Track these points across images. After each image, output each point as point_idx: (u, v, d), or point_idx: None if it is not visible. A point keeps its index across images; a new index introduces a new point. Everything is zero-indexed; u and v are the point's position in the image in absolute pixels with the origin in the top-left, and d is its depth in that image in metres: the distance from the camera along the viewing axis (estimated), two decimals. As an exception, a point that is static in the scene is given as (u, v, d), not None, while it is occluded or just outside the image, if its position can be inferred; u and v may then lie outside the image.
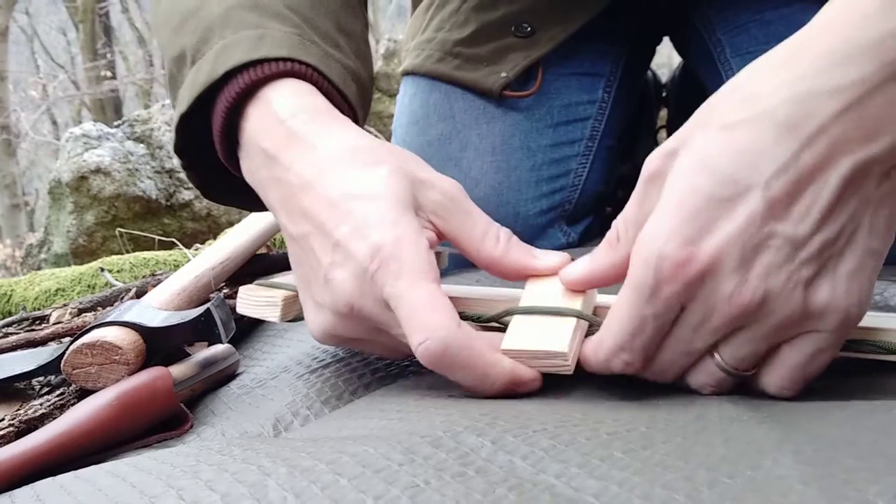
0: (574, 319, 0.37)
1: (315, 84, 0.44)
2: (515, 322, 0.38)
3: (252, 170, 0.43)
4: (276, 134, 0.41)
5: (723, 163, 0.32)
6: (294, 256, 0.42)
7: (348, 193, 0.38)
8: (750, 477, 0.21)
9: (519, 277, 0.41)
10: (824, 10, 0.33)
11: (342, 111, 0.45)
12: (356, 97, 0.48)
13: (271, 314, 0.48)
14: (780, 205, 0.31)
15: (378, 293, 0.36)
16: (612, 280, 0.37)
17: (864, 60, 0.30)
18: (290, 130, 0.41)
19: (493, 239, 0.40)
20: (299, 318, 0.47)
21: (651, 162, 0.35)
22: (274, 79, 0.43)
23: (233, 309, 0.66)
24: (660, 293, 0.32)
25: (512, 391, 0.37)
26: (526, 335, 0.37)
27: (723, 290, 0.32)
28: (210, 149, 0.46)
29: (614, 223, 0.37)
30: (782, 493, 0.20)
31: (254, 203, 0.47)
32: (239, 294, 0.51)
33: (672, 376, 0.36)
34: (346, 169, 0.39)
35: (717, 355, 0.34)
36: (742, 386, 0.36)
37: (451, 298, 0.38)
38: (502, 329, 0.39)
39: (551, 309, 0.37)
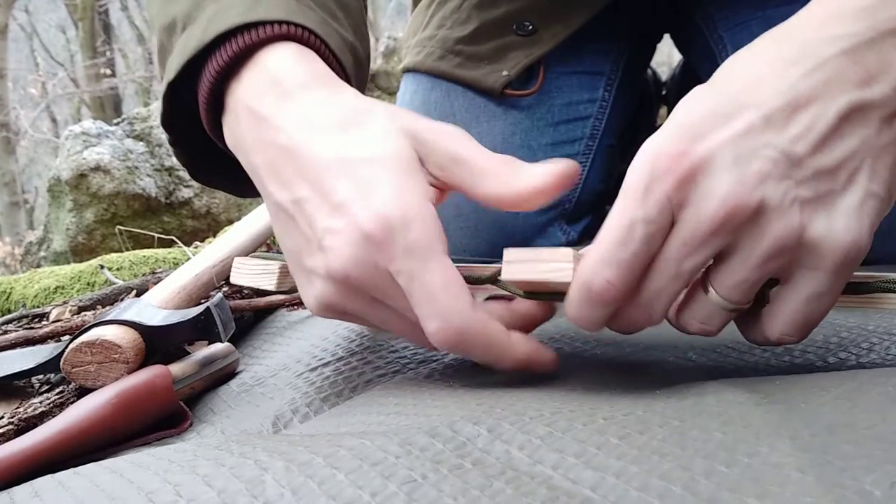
0: (570, 251, 0.35)
1: (313, 48, 0.42)
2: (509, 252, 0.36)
3: (238, 134, 0.41)
4: (269, 95, 0.39)
5: (723, 86, 0.33)
6: (280, 225, 0.40)
7: (347, 155, 0.36)
8: (747, 465, 0.21)
9: (530, 204, 0.38)
10: None
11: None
12: (352, 70, 0.46)
13: (266, 282, 0.46)
14: (777, 120, 0.31)
15: (383, 265, 0.35)
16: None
17: (856, 19, 0.32)
18: (284, 91, 0.39)
19: (495, 170, 0.37)
20: (294, 289, 0.47)
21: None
22: (270, 42, 0.41)
23: (233, 308, 0.66)
24: (651, 192, 0.31)
25: (527, 370, 0.37)
26: (523, 255, 0.35)
27: (717, 187, 0.30)
28: (198, 123, 0.45)
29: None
30: (779, 482, 0.20)
31: (242, 185, 0.46)
32: (234, 264, 0.50)
33: (659, 311, 0.33)
34: (343, 129, 0.37)
35: (708, 284, 0.33)
36: (746, 330, 0.35)
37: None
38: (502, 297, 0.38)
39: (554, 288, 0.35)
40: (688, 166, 0.31)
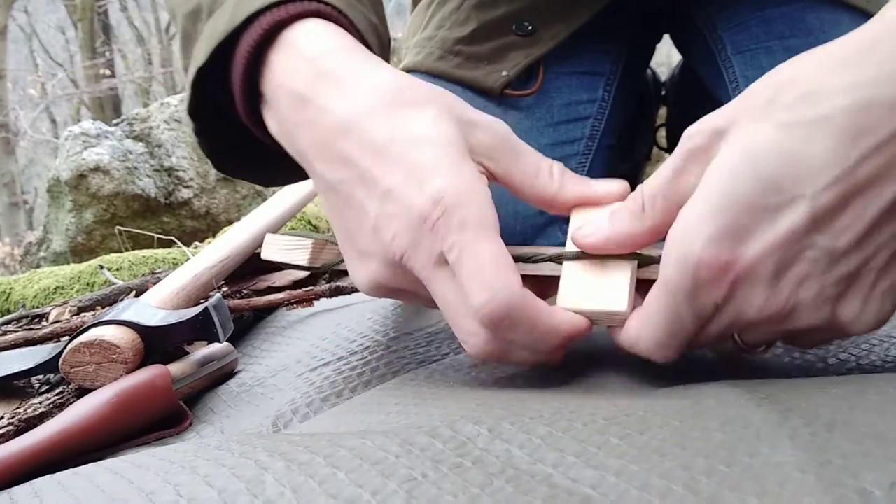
0: (629, 266, 0.36)
1: (342, 27, 0.41)
2: (567, 272, 0.37)
3: (280, 119, 0.40)
4: (306, 74, 0.38)
5: (772, 167, 0.30)
6: (331, 205, 0.39)
7: (396, 137, 0.35)
8: (747, 464, 0.22)
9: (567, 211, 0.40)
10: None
11: None
12: (378, 52, 0.45)
13: (299, 258, 0.46)
14: (824, 218, 0.30)
15: (436, 246, 0.34)
16: (629, 248, 0.36)
17: None
18: (322, 69, 0.38)
19: (546, 174, 0.38)
20: (327, 266, 0.46)
21: (694, 136, 0.33)
22: (299, 19, 0.40)
23: (232, 308, 0.66)
24: (697, 297, 0.32)
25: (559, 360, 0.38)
26: (581, 290, 0.36)
27: (754, 298, 0.32)
28: (225, 112, 0.44)
29: (640, 189, 0.35)
30: (780, 481, 0.20)
31: (267, 174, 0.45)
32: (266, 239, 0.50)
33: (695, 349, 0.36)
34: (389, 109, 0.36)
35: (736, 336, 0.35)
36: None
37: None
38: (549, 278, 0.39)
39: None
40: (732, 278, 0.31)
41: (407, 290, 0.38)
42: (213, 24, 0.42)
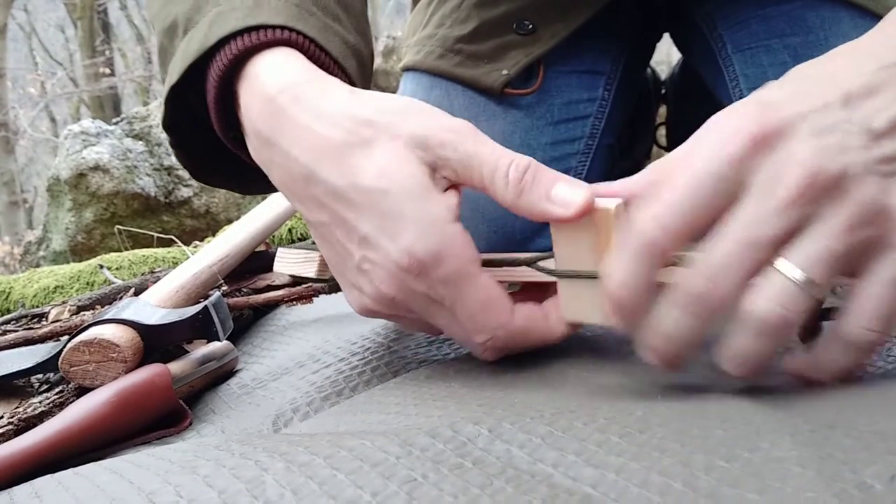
0: None
1: (312, 57, 0.42)
2: (563, 286, 0.37)
3: (254, 149, 0.41)
4: (266, 112, 0.39)
5: (800, 81, 0.33)
6: (319, 238, 0.40)
7: (351, 185, 0.36)
8: (747, 460, 0.21)
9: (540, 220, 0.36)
10: None
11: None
12: (356, 73, 0.46)
13: (308, 270, 0.50)
14: (855, 99, 0.31)
15: (421, 290, 0.36)
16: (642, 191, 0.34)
17: None
18: (279, 108, 0.38)
19: (501, 181, 0.35)
20: (333, 279, 0.48)
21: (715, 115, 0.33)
22: (267, 47, 0.41)
23: (232, 306, 0.66)
24: (725, 149, 0.30)
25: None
26: (580, 302, 0.36)
27: (795, 153, 0.29)
28: (201, 125, 0.45)
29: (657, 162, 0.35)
30: (780, 476, 0.20)
31: (244, 183, 0.46)
32: (277, 253, 0.53)
33: (725, 284, 0.30)
34: (339, 158, 0.36)
35: (786, 258, 0.30)
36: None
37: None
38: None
39: (590, 273, 0.35)
40: (765, 129, 0.30)
41: (403, 317, 0.40)
42: (187, 42, 0.43)
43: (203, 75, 0.43)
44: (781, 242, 0.30)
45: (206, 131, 0.45)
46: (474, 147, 0.36)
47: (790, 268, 0.29)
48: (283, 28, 0.41)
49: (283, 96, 0.38)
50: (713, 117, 0.32)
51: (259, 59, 0.40)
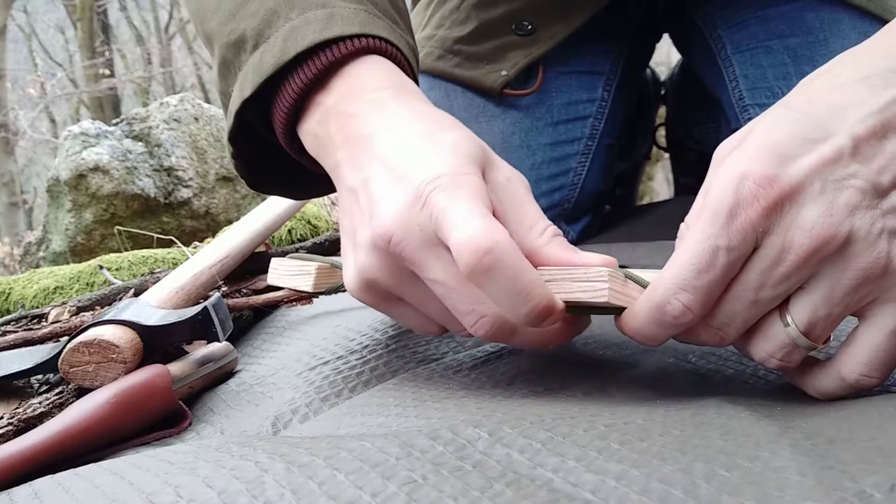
0: (605, 270, 0.34)
1: (390, 57, 0.43)
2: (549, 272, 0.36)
3: (324, 134, 0.42)
4: (361, 101, 0.40)
5: (810, 110, 0.32)
6: (345, 210, 0.40)
7: (424, 144, 0.37)
8: (748, 469, 0.21)
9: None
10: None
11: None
12: (416, 69, 0.47)
13: (304, 283, 0.48)
14: (865, 146, 0.30)
15: (426, 220, 0.34)
16: None
17: None
18: (377, 99, 0.40)
19: (538, 231, 0.38)
20: (332, 290, 0.47)
21: (723, 147, 0.34)
22: (355, 56, 0.42)
23: (231, 307, 0.66)
24: (737, 218, 0.30)
25: (547, 328, 0.35)
26: (563, 287, 0.34)
27: (804, 218, 0.30)
28: (257, 135, 0.46)
29: (685, 221, 0.35)
30: (780, 485, 0.20)
31: (297, 189, 0.46)
32: (271, 265, 0.51)
33: (731, 335, 0.33)
34: (426, 129, 0.38)
35: (787, 316, 0.32)
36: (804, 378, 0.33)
37: None
38: None
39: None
40: (777, 194, 0.30)
41: (392, 289, 0.38)
42: (258, 57, 0.43)
43: (272, 87, 0.43)
44: (786, 296, 0.32)
45: (262, 141, 0.46)
46: (527, 197, 0.38)
47: (791, 328, 0.31)
48: (359, 37, 0.42)
49: (383, 93, 0.40)
50: (724, 170, 0.31)
51: (351, 65, 0.42)
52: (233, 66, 0.46)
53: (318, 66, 0.41)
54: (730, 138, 0.34)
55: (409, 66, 0.45)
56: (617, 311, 0.34)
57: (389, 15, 0.46)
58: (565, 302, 0.34)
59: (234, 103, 0.44)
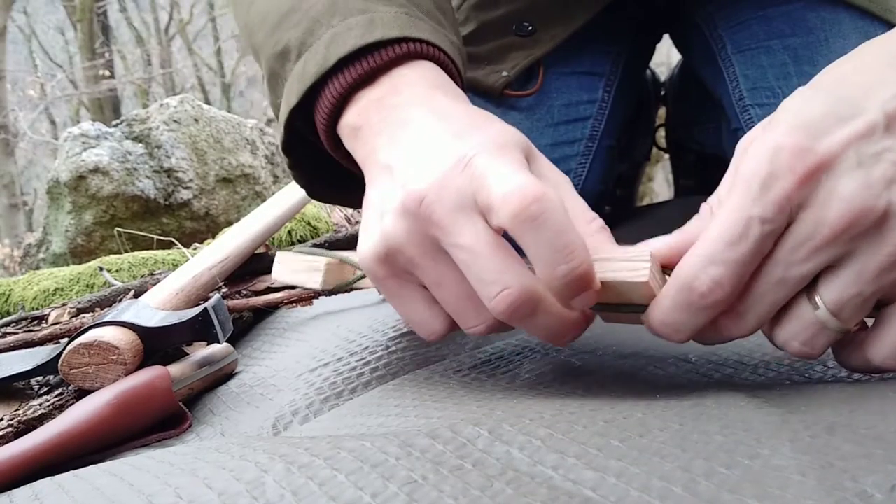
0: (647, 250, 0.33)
1: (433, 58, 0.43)
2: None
3: (363, 123, 0.41)
4: (405, 95, 0.40)
5: (837, 88, 0.31)
6: (376, 184, 0.39)
7: (467, 128, 0.37)
8: (747, 467, 0.21)
9: None
10: None
11: (456, 83, 0.44)
12: (463, 69, 0.47)
13: (312, 280, 0.46)
14: None
15: (465, 181, 0.33)
16: None
17: None
18: (420, 94, 0.40)
19: (586, 220, 0.37)
20: (340, 288, 0.46)
21: (748, 136, 0.33)
22: (398, 62, 0.42)
23: (231, 309, 0.66)
24: (771, 188, 0.29)
25: (566, 314, 0.34)
26: (602, 265, 0.33)
27: (843, 189, 0.29)
28: (308, 142, 0.46)
29: (708, 200, 0.34)
30: (780, 484, 0.20)
31: (356, 195, 0.45)
32: (276, 258, 0.50)
33: (755, 321, 0.31)
34: (469, 119, 0.38)
35: (815, 297, 0.30)
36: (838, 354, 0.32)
37: None
38: None
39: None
40: (812, 164, 0.29)
41: (413, 262, 0.36)
42: (303, 65, 0.43)
43: (314, 92, 0.43)
44: (815, 275, 0.30)
45: (313, 148, 0.46)
46: (570, 189, 0.39)
47: (821, 309, 0.30)
48: (400, 41, 0.41)
49: (435, 91, 0.40)
50: (758, 144, 0.30)
51: (401, 67, 0.41)
52: (280, 77, 0.46)
53: (360, 71, 0.41)
54: (755, 128, 0.33)
55: (454, 66, 0.44)
56: (644, 308, 0.33)
57: (433, 16, 0.46)
58: (602, 282, 0.33)
59: (283, 113, 0.44)
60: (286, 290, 0.72)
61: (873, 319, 0.32)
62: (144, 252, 0.95)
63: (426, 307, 0.37)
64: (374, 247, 0.37)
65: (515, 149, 0.35)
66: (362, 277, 0.48)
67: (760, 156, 0.30)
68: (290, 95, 0.43)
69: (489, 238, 0.33)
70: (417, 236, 0.35)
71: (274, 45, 0.46)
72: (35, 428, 0.45)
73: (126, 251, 1.32)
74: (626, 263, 0.32)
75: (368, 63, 0.41)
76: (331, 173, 0.48)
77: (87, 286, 0.88)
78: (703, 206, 0.34)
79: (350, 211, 1.14)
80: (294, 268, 0.48)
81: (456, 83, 0.44)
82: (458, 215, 0.33)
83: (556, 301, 0.33)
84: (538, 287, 0.33)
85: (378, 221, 0.37)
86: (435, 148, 0.36)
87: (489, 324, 0.35)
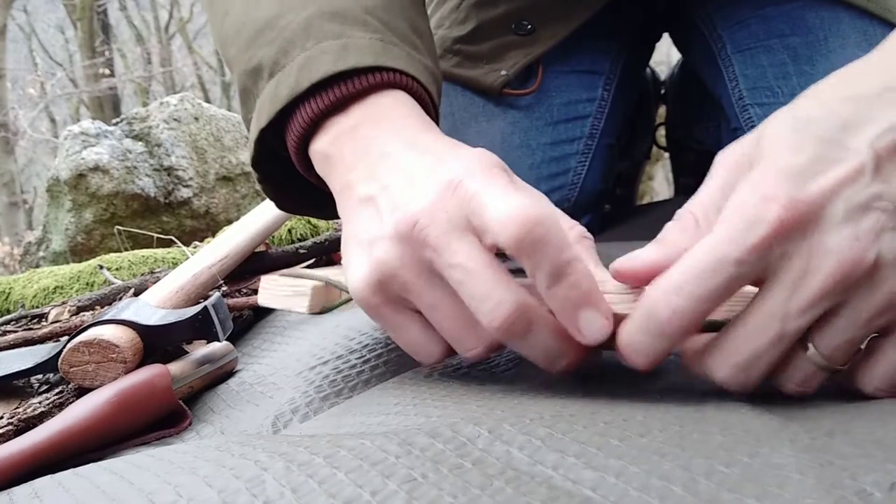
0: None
1: (406, 88, 0.43)
2: None
3: (336, 154, 0.41)
4: (379, 127, 0.40)
5: (824, 123, 0.30)
6: (356, 219, 0.38)
7: (446, 156, 0.37)
8: (747, 465, 0.22)
9: None
10: None
11: (428, 112, 0.44)
12: (436, 95, 0.47)
13: (299, 305, 0.45)
14: (886, 164, 0.29)
15: (456, 204, 0.33)
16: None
17: None
18: (394, 127, 0.40)
19: (566, 227, 0.37)
20: (327, 309, 0.46)
21: (731, 150, 0.33)
22: (370, 91, 0.42)
23: (232, 307, 0.66)
24: (754, 234, 0.28)
25: (562, 334, 0.33)
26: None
27: (829, 241, 0.28)
28: (278, 157, 0.46)
29: (687, 208, 0.34)
30: (779, 482, 0.20)
31: (325, 209, 0.46)
32: (261, 284, 0.49)
33: (757, 375, 0.31)
34: (446, 147, 0.38)
35: (809, 346, 0.30)
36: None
37: None
38: None
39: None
40: (798, 215, 0.28)
41: (407, 287, 0.36)
42: (274, 86, 0.43)
43: (286, 113, 0.43)
44: (807, 333, 0.30)
45: (283, 164, 0.46)
46: (553, 208, 0.37)
47: (816, 357, 0.30)
48: (374, 70, 0.41)
49: (405, 121, 0.40)
50: (743, 184, 0.30)
51: (366, 99, 0.41)
52: (251, 93, 0.46)
53: (332, 98, 0.41)
54: (735, 143, 0.33)
55: (428, 95, 0.44)
56: None
57: (408, 40, 0.46)
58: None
59: (254, 132, 0.45)
60: (286, 289, 0.72)
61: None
62: (144, 250, 0.95)
63: (422, 332, 0.37)
64: (367, 276, 0.36)
65: (500, 170, 0.35)
66: (349, 300, 0.48)
67: (746, 200, 0.29)
68: (262, 115, 0.43)
69: (483, 257, 0.33)
70: (411, 260, 0.35)
71: (247, 62, 0.45)
72: (35, 426, 0.45)
73: (126, 249, 1.32)
74: (623, 296, 0.33)
75: (341, 90, 0.41)
76: (301, 187, 0.48)
77: (87, 284, 0.88)
78: (687, 216, 0.34)
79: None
80: (279, 293, 0.47)
81: (428, 111, 0.44)
82: (452, 236, 0.33)
83: (552, 318, 0.33)
84: (533, 302, 0.33)
85: (366, 251, 0.37)
86: (421, 174, 0.36)
87: (486, 345, 0.35)
